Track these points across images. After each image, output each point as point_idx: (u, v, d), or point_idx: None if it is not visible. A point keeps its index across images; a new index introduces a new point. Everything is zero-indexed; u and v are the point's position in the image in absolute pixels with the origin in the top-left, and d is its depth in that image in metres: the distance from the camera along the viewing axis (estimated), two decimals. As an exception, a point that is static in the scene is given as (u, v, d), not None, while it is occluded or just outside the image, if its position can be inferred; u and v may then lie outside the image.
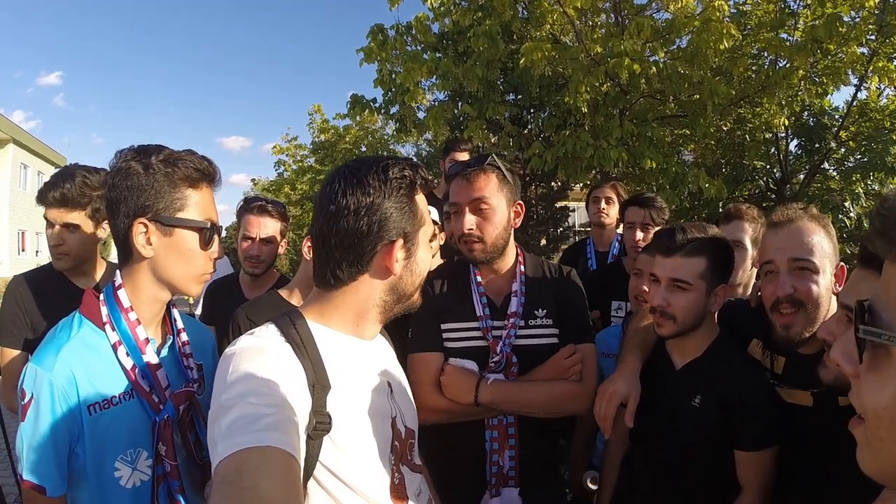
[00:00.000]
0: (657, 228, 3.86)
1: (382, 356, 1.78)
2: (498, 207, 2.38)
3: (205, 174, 1.82)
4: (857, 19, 7.93)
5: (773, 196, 11.02)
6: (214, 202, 1.89)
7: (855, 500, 1.19)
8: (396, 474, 1.62)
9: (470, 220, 2.37)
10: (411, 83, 9.98)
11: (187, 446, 1.84)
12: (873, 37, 7.83)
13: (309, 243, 2.76)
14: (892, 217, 0.77)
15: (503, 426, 2.40)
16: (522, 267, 2.53)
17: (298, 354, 1.45)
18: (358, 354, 1.63)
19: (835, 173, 10.42)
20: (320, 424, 1.40)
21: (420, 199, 1.60)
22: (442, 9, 10.21)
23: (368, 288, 1.59)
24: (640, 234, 3.93)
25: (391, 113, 11.89)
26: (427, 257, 1.65)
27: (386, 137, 19.15)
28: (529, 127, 12.71)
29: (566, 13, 8.57)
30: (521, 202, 2.51)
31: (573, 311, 2.54)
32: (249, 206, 3.61)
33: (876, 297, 0.79)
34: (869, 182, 9.30)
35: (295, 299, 2.80)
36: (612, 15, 9.92)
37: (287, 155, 21.75)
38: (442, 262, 3.41)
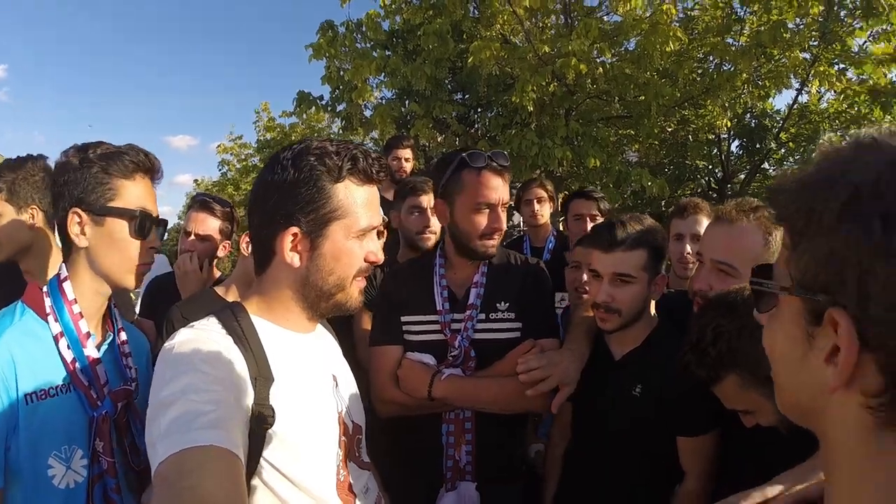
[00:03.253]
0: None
1: (326, 349, 1.74)
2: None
3: (139, 165, 1.80)
4: (801, 26, 8.22)
5: (715, 195, 11.34)
6: (153, 195, 1.86)
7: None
8: (342, 471, 1.57)
9: (504, 219, 2.40)
10: (359, 80, 9.86)
11: (122, 449, 1.77)
12: (816, 43, 8.11)
13: (247, 239, 2.67)
14: (777, 189, 0.88)
15: (460, 420, 2.36)
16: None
17: (240, 346, 1.40)
18: (300, 347, 1.58)
19: (774, 173, 10.76)
20: (263, 418, 1.35)
21: (343, 188, 1.49)
22: (393, 6, 10.14)
23: (281, 277, 1.54)
24: (590, 226, 3.95)
25: (338, 111, 11.74)
26: (350, 254, 1.53)
27: (332, 136, 18.96)
28: (476, 126, 12.69)
29: (516, 13, 8.60)
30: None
31: (537, 304, 2.49)
32: (194, 201, 3.51)
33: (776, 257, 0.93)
34: (809, 182, 9.63)
35: (231, 296, 2.68)
36: (561, 16, 10.01)
37: (232, 154, 21.20)
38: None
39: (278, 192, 1.49)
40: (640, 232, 2.26)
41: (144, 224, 1.79)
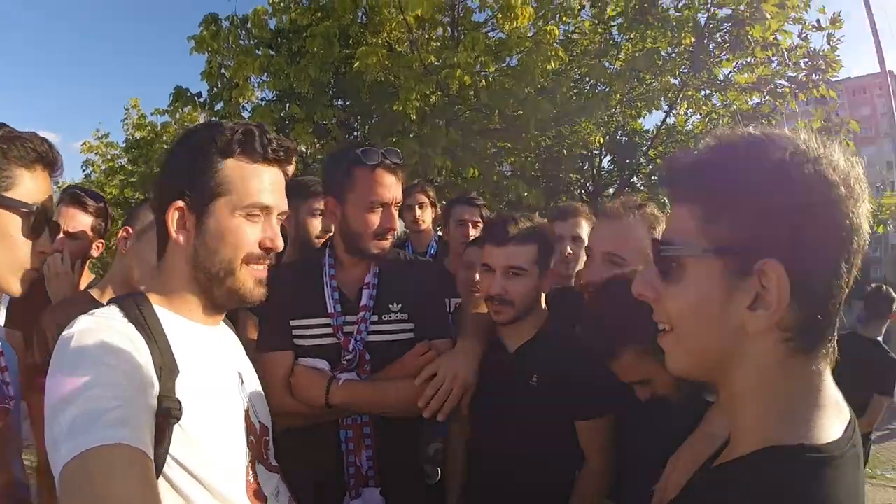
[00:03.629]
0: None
1: (230, 344, 1.70)
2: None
3: (42, 157, 1.60)
4: (674, 54, 8.87)
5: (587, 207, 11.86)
6: (51, 192, 1.69)
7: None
8: (251, 473, 1.52)
9: (396, 219, 2.38)
10: (241, 78, 9.61)
11: None
12: (686, 70, 8.79)
13: (125, 235, 2.57)
14: (681, 172, 1.08)
15: (358, 426, 2.32)
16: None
17: (143, 335, 1.35)
18: (203, 339, 1.54)
19: (642, 186, 11.44)
20: (169, 411, 1.29)
21: (233, 163, 1.47)
22: (282, 5, 9.92)
23: (174, 261, 1.51)
24: (472, 231, 4.11)
25: (216, 109, 11.16)
26: (236, 233, 1.49)
27: None
28: (356, 133, 12.57)
29: (406, 21, 8.68)
30: None
31: (430, 305, 2.51)
32: (64, 194, 3.23)
33: (668, 230, 1.10)
34: (675, 194, 10.37)
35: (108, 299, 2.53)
36: (448, 29, 10.19)
37: (97, 154, 19.20)
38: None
39: (168, 168, 1.51)
40: (531, 228, 2.40)
41: (40, 222, 1.61)
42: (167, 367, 1.34)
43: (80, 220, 3.05)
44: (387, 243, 2.36)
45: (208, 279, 1.49)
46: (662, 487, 1.70)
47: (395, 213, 2.36)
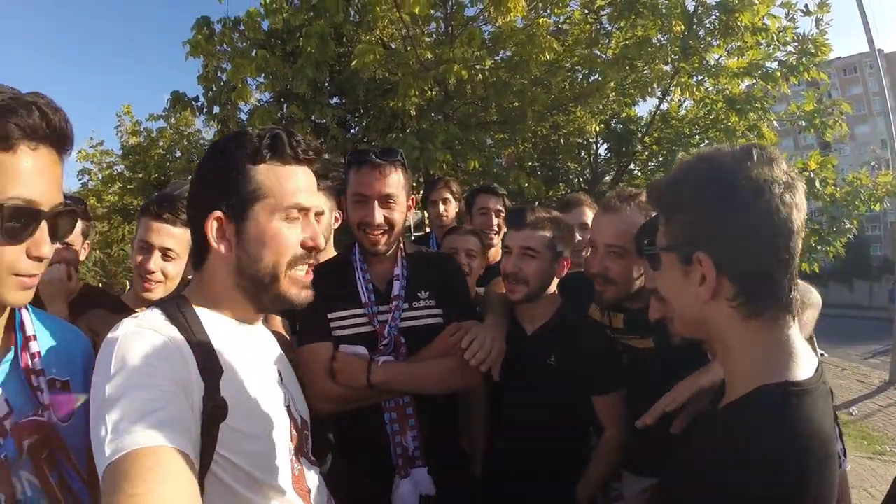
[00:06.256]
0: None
1: (267, 341, 1.74)
2: (401, 201, 2.52)
3: (27, 131, 1.21)
4: (665, 41, 8.93)
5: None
6: (49, 177, 1.28)
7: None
8: (296, 465, 1.57)
9: (379, 214, 2.46)
10: (239, 81, 9.58)
11: (50, 492, 1.36)
12: (677, 57, 8.83)
13: None
14: (653, 188, 1.49)
15: (400, 407, 2.46)
16: (403, 252, 2.65)
17: (185, 337, 1.37)
18: (243, 338, 1.57)
19: (639, 173, 11.51)
20: (216, 410, 1.33)
21: (265, 168, 1.48)
22: (274, 6, 9.85)
23: (217, 269, 1.52)
24: (495, 220, 4.27)
25: (214, 113, 11.17)
26: (277, 236, 1.49)
27: (203, 142, 17.75)
28: (353, 130, 12.53)
29: (402, 18, 8.71)
30: (414, 196, 2.69)
31: (455, 291, 2.69)
32: None
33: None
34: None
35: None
36: (442, 24, 10.23)
37: (92, 162, 18.86)
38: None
39: (201, 181, 1.53)
40: (547, 218, 2.66)
41: (23, 222, 1.24)
42: (210, 368, 1.36)
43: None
44: (373, 238, 2.49)
45: (255, 286, 1.50)
46: (665, 402, 2.07)
47: (377, 208, 2.46)
